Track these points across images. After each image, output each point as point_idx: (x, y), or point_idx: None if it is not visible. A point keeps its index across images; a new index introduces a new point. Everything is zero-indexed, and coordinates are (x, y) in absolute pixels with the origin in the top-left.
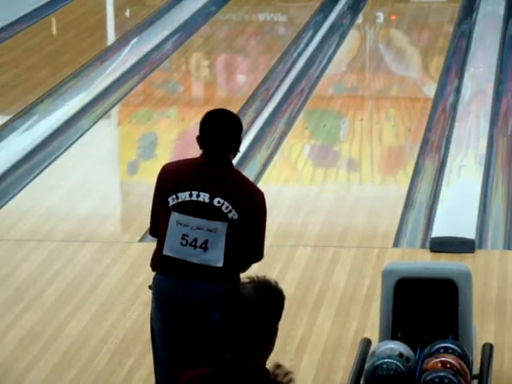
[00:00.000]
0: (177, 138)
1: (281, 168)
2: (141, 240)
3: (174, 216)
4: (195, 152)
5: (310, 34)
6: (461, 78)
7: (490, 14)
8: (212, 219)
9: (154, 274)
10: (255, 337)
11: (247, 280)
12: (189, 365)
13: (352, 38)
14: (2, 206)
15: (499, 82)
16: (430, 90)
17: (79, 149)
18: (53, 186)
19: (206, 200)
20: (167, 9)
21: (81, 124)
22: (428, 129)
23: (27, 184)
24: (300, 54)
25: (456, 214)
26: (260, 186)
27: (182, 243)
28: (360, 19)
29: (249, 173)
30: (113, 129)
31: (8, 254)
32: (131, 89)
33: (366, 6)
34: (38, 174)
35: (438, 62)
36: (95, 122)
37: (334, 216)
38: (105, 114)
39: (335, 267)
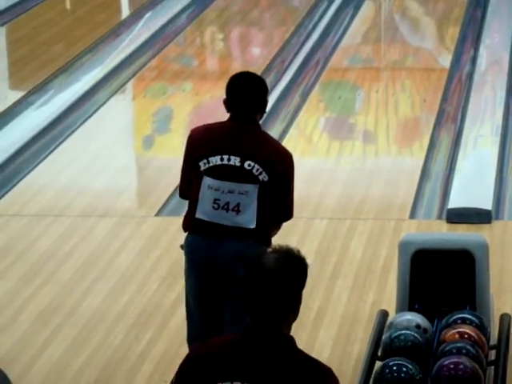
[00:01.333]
0: (192, 112)
1: (296, 141)
2: (157, 214)
3: (206, 180)
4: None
5: (324, 5)
6: (476, 48)
7: None
8: (243, 182)
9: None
10: (280, 306)
11: (270, 249)
12: (218, 324)
13: (367, 8)
14: (19, 181)
15: None
16: (446, 60)
17: (94, 124)
18: (68, 162)
19: (237, 163)
20: None
21: (95, 99)
22: (444, 99)
23: (43, 159)
24: (315, 26)
25: (472, 185)
26: None
27: (214, 207)
28: None
29: None
30: (128, 103)
31: (25, 229)
32: (145, 63)
33: None
34: (53, 150)
35: (453, 32)
36: (110, 97)
37: (350, 188)
38: (119, 88)
39: (352, 239)
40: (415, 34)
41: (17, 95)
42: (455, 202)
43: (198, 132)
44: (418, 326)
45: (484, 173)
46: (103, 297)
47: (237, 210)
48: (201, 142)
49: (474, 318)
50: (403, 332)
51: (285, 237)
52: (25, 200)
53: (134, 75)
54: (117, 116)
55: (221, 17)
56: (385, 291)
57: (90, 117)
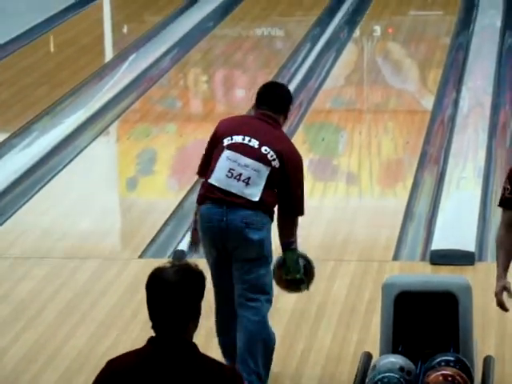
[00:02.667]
0: (176, 154)
1: None
2: (140, 256)
3: (226, 153)
4: (194, 166)
5: (307, 48)
6: (458, 91)
7: (487, 26)
8: (258, 161)
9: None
10: (181, 315)
11: (168, 265)
12: (231, 288)
13: (349, 51)
14: (3, 223)
15: (497, 95)
16: (428, 102)
17: (78, 166)
18: (52, 203)
19: (256, 146)
20: (165, 25)
21: (79, 141)
22: (426, 141)
23: (27, 201)
24: (298, 69)
25: (455, 227)
26: None
27: (227, 175)
28: (357, 33)
29: None
30: (111, 145)
31: (8, 271)
32: (129, 105)
33: (362, 19)
34: (37, 192)
35: (435, 75)
36: (94, 139)
37: (333, 229)
38: (103, 130)
39: (335, 280)
40: (398, 77)
41: (0, 137)
42: (438, 243)
43: (226, 119)
44: (401, 369)
45: (467, 214)
46: (86, 339)
47: (247, 182)
48: (227, 125)
49: (457, 360)
50: (387, 375)
51: None
52: (9, 241)
53: (117, 117)
54: (100, 158)
55: (204, 59)
56: (369, 333)
57: (73, 159)
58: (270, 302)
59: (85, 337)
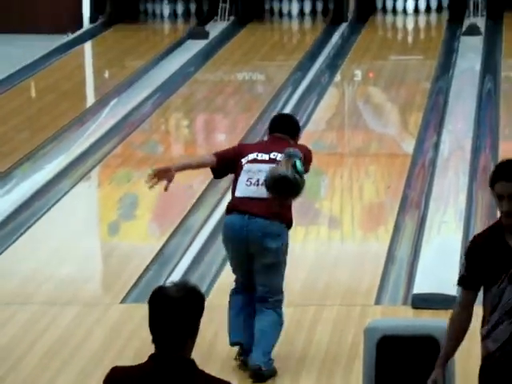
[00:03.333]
0: (157, 199)
1: None
2: (122, 302)
3: (243, 168)
4: (176, 212)
5: (288, 92)
6: (439, 134)
7: (467, 70)
8: (269, 164)
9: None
10: (180, 333)
11: (170, 284)
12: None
13: (331, 95)
14: None
15: (477, 138)
16: (409, 146)
17: (59, 211)
18: (34, 249)
19: (266, 157)
20: (146, 70)
21: (61, 186)
22: (408, 185)
23: (8, 247)
24: (279, 113)
25: (437, 270)
26: None
27: (246, 184)
28: (338, 77)
29: None
30: (93, 190)
31: None
32: (111, 150)
33: (343, 63)
34: (18, 237)
35: (416, 119)
36: (75, 185)
37: (315, 273)
38: (85, 175)
39: (317, 325)
40: (379, 121)
41: None
42: (420, 287)
43: (245, 144)
44: None
45: (448, 258)
46: None
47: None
48: (246, 149)
49: None
50: None
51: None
52: None
53: (99, 162)
54: (82, 203)
55: (186, 104)
56: (351, 378)
57: (55, 204)
58: (282, 301)
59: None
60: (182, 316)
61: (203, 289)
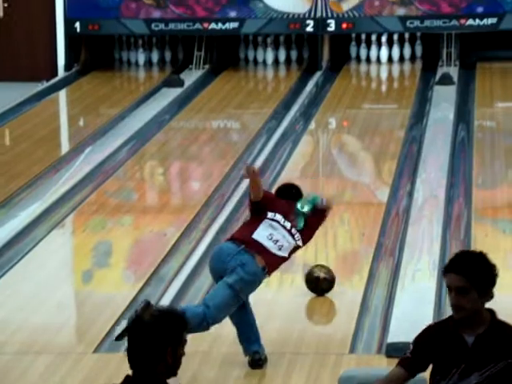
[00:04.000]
0: (131, 247)
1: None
2: (95, 351)
3: (269, 222)
4: (150, 260)
5: (263, 140)
6: (413, 183)
7: (440, 119)
8: (291, 237)
9: None
10: (148, 355)
11: (155, 308)
12: None
13: (305, 143)
14: None
15: (451, 186)
16: (383, 194)
17: (33, 259)
18: (6, 297)
19: (287, 226)
20: (121, 117)
21: (35, 234)
22: (382, 233)
23: None
24: (254, 160)
25: (411, 319)
26: None
27: (268, 237)
28: (312, 125)
29: (205, 279)
30: (67, 238)
31: None
32: (85, 198)
33: (317, 112)
34: None
35: (390, 167)
36: (49, 232)
37: (290, 322)
38: (59, 223)
39: (292, 374)
40: (353, 169)
41: None
42: (394, 336)
43: (272, 197)
44: None
45: (422, 306)
46: None
47: (280, 247)
48: (274, 202)
49: None
50: None
51: (224, 372)
52: None
53: (73, 210)
54: (56, 251)
55: (161, 151)
56: None
57: (29, 251)
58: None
59: None
60: (150, 340)
61: None
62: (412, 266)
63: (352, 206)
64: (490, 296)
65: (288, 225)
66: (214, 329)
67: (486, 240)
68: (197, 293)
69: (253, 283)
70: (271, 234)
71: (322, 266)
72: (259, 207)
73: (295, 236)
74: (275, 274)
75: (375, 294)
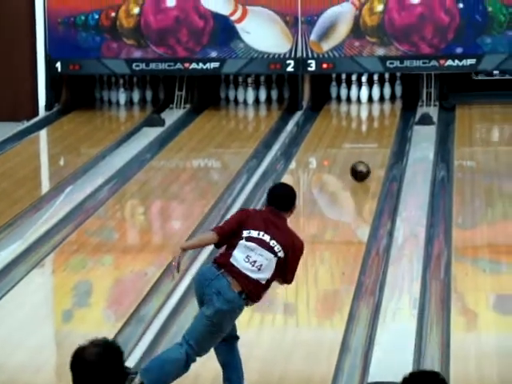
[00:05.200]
0: (112, 286)
1: None
2: None
3: (245, 243)
4: (131, 298)
5: (243, 179)
6: (393, 222)
7: (420, 159)
8: (269, 252)
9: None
10: None
11: (88, 343)
12: None
13: (286, 182)
14: None
15: (431, 226)
16: (364, 233)
17: (12, 299)
18: None
19: (267, 240)
20: (102, 156)
21: (14, 274)
22: (362, 272)
23: None
24: (234, 200)
25: (391, 359)
26: None
27: (245, 260)
28: (293, 164)
29: (186, 319)
30: (47, 277)
31: None
32: (65, 237)
33: (298, 151)
34: None
35: (370, 206)
36: (29, 272)
37: (270, 362)
38: (39, 262)
39: None
40: (333, 208)
41: None
42: (375, 376)
43: (248, 213)
44: None
45: (403, 346)
46: None
47: (259, 268)
48: (248, 220)
49: None
50: None
51: None
52: None
53: (53, 249)
54: (36, 290)
55: (141, 190)
56: None
57: (8, 291)
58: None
59: None
60: (98, 377)
61: None
62: (392, 305)
63: (333, 245)
64: None
65: (267, 238)
66: (195, 366)
67: (466, 279)
68: (178, 332)
69: (231, 311)
70: (248, 255)
71: (362, 162)
72: (232, 234)
73: (275, 248)
74: (256, 314)
75: (355, 334)
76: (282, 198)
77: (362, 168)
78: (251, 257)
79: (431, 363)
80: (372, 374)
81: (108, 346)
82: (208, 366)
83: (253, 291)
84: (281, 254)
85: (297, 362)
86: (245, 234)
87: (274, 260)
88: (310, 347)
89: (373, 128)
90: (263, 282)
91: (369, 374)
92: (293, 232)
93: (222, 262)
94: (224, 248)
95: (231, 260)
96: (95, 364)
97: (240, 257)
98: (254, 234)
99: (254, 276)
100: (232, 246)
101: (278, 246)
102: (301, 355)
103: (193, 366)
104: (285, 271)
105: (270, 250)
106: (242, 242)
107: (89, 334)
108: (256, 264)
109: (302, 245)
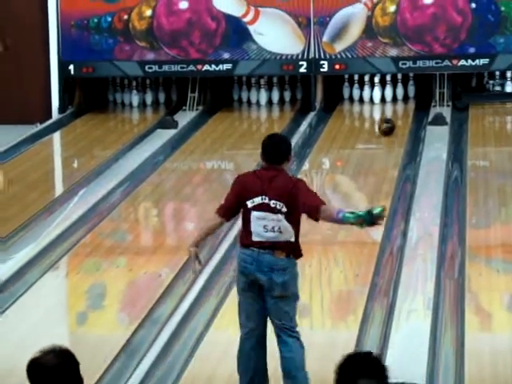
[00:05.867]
0: (125, 288)
1: (230, 315)
2: None
3: (255, 214)
4: (145, 300)
5: None
6: (407, 222)
7: (434, 158)
8: (275, 213)
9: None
10: None
11: (45, 351)
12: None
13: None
14: None
15: (444, 226)
16: (377, 234)
17: (26, 302)
18: (0, 340)
19: (271, 204)
20: (115, 159)
21: (28, 277)
22: (376, 273)
23: None
24: None
25: (405, 360)
26: (211, 332)
27: (264, 230)
28: (306, 165)
29: (198, 322)
30: (61, 280)
31: None
32: (79, 239)
33: (311, 152)
34: None
35: (384, 206)
36: (43, 274)
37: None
38: (53, 265)
39: None
40: (347, 209)
41: None
42: (389, 376)
43: (244, 178)
44: None
45: (417, 346)
46: None
47: (279, 231)
48: (247, 186)
49: None
50: None
51: None
52: None
53: (67, 252)
54: (50, 293)
55: (155, 192)
56: None
57: (22, 294)
58: (296, 335)
59: None
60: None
61: (170, 381)
62: (406, 305)
63: (346, 246)
64: None
65: (267, 200)
66: (210, 366)
67: (480, 279)
68: (191, 334)
69: (293, 276)
70: (264, 225)
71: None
72: (236, 206)
73: (277, 207)
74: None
75: (370, 335)
76: (273, 152)
77: (390, 123)
78: (267, 225)
79: (445, 363)
80: None
81: (63, 352)
82: (223, 366)
83: (293, 250)
84: (284, 209)
85: (311, 363)
86: (249, 204)
87: (283, 217)
88: (325, 348)
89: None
90: (293, 240)
91: None
92: (289, 178)
93: (250, 244)
94: (241, 226)
95: (254, 238)
96: (54, 369)
97: (259, 230)
98: (257, 200)
99: (281, 239)
100: (247, 222)
101: (278, 204)
102: (315, 356)
103: (207, 366)
104: (300, 213)
105: (275, 211)
106: (252, 214)
107: (103, 336)
108: (275, 229)
109: (301, 180)
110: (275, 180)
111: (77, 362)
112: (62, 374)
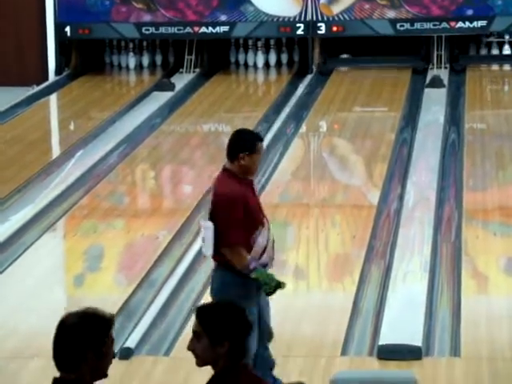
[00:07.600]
0: (123, 250)
1: None
2: None
3: (258, 231)
4: (142, 261)
5: None
6: (404, 185)
7: (431, 122)
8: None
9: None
10: (68, 356)
11: (79, 309)
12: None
13: (296, 146)
14: None
15: (441, 189)
16: (374, 197)
17: (24, 263)
18: None
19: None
20: (112, 121)
21: (26, 238)
22: (373, 235)
23: None
24: None
25: (402, 321)
26: (207, 294)
27: (265, 241)
28: (303, 128)
29: (196, 284)
30: (58, 242)
31: None
32: (76, 201)
33: (308, 115)
34: None
35: (381, 170)
36: (40, 236)
37: (281, 324)
38: (50, 227)
39: (282, 377)
40: (344, 172)
41: None
42: (386, 338)
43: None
44: None
45: (413, 309)
46: None
47: (203, 240)
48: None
49: None
50: None
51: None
52: None
53: (64, 213)
54: (47, 255)
55: (152, 155)
56: None
57: (19, 256)
58: None
59: None
60: (68, 343)
61: (167, 342)
62: (403, 267)
63: (343, 209)
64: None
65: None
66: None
67: (476, 242)
68: (188, 296)
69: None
70: (267, 239)
71: None
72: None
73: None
74: None
75: (367, 297)
76: (227, 147)
77: None
78: (266, 236)
79: (442, 325)
80: (383, 336)
81: (90, 315)
82: None
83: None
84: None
85: (307, 325)
86: (255, 225)
87: (211, 228)
88: (322, 310)
89: (383, 91)
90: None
91: (380, 336)
92: (218, 184)
93: (265, 262)
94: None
95: (265, 256)
96: (66, 327)
97: (262, 242)
98: (262, 219)
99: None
100: (250, 239)
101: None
102: (311, 318)
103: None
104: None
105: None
106: (258, 229)
107: (100, 297)
108: (270, 239)
109: (220, 200)
110: (214, 184)
111: (104, 325)
112: (76, 336)
